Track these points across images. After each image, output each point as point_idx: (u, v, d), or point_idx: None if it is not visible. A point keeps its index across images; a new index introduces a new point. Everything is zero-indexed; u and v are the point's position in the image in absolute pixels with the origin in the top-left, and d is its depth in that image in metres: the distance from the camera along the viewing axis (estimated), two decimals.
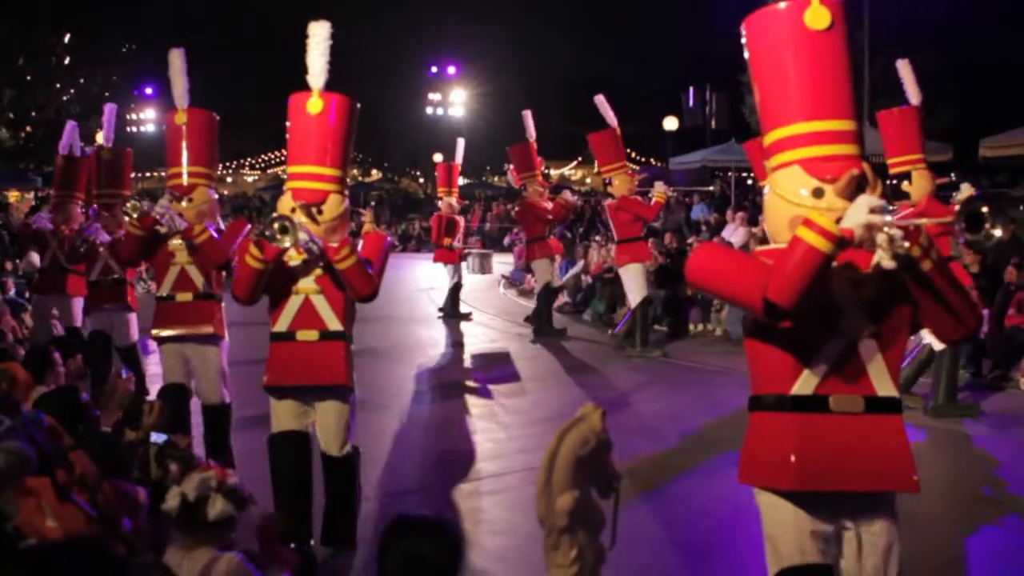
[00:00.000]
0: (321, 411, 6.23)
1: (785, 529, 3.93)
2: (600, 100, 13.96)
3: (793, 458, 3.82)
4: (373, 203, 43.17)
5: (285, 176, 6.56)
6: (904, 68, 10.01)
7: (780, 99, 4.02)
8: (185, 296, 7.94)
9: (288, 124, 6.18)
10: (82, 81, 36.44)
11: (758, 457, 4.00)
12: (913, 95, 9.94)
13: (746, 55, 4.15)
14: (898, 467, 3.89)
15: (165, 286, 8.00)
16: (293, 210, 5.91)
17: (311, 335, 6.10)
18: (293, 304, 6.10)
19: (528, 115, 15.92)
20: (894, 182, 9.98)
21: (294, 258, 5.96)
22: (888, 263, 3.63)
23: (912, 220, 3.68)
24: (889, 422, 3.92)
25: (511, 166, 16.58)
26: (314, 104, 6.02)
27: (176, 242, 7.89)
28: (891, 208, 3.63)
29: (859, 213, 3.59)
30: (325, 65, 6.02)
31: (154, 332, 7.99)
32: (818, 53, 3.94)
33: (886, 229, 3.56)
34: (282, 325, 6.12)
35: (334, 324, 6.11)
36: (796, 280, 3.56)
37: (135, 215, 7.85)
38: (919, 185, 9.82)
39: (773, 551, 3.99)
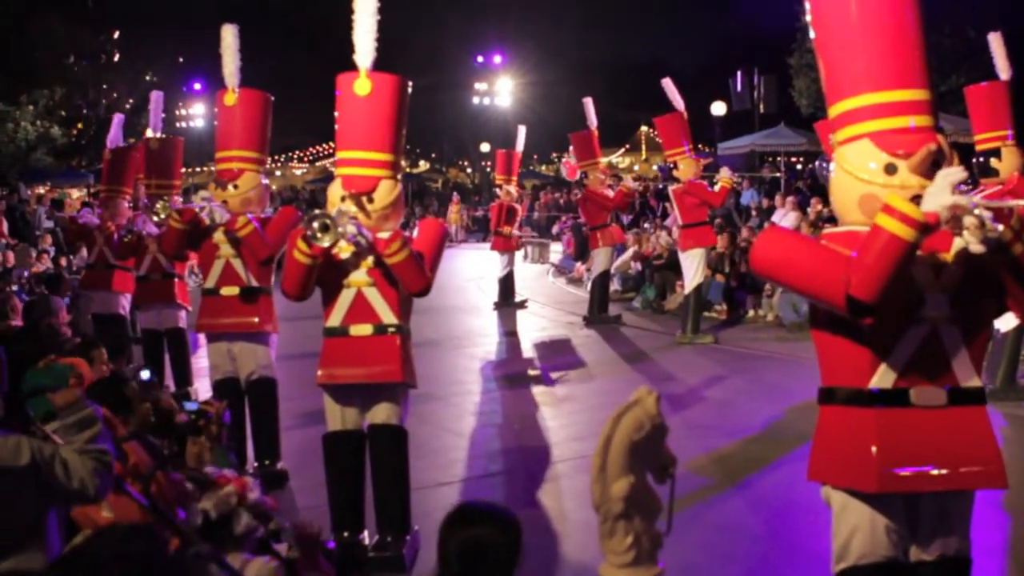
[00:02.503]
0: (375, 407, 6.06)
1: (860, 528, 3.75)
2: (667, 83, 13.84)
3: (875, 458, 3.61)
4: (456, 193, 42.99)
5: (334, 169, 6.28)
6: (995, 41, 9.61)
7: (846, 67, 3.75)
8: (230, 290, 7.66)
9: (336, 107, 5.93)
10: (131, 77, 36.78)
11: (833, 455, 3.80)
12: (1003, 69, 9.55)
13: (808, 19, 3.87)
14: (985, 463, 3.68)
15: (210, 279, 7.75)
16: (343, 199, 5.72)
17: (365, 329, 5.91)
18: (345, 298, 5.91)
19: (589, 102, 15.72)
20: (981, 159, 9.64)
21: (344, 250, 5.73)
22: (977, 247, 3.38)
23: (1008, 202, 3.44)
24: (973, 414, 3.72)
25: (566, 158, 16.45)
26: (362, 85, 5.77)
27: (220, 235, 7.61)
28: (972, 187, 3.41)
29: (942, 194, 3.35)
30: (373, 43, 5.77)
31: (199, 325, 7.82)
32: (888, 16, 3.66)
33: (976, 211, 3.33)
34: (335, 320, 5.95)
35: (389, 317, 5.91)
36: (879, 273, 3.35)
37: (163, 215, 7.74)
38: (1008, 162, 9.44)
39: (843, 548, 3.81)
